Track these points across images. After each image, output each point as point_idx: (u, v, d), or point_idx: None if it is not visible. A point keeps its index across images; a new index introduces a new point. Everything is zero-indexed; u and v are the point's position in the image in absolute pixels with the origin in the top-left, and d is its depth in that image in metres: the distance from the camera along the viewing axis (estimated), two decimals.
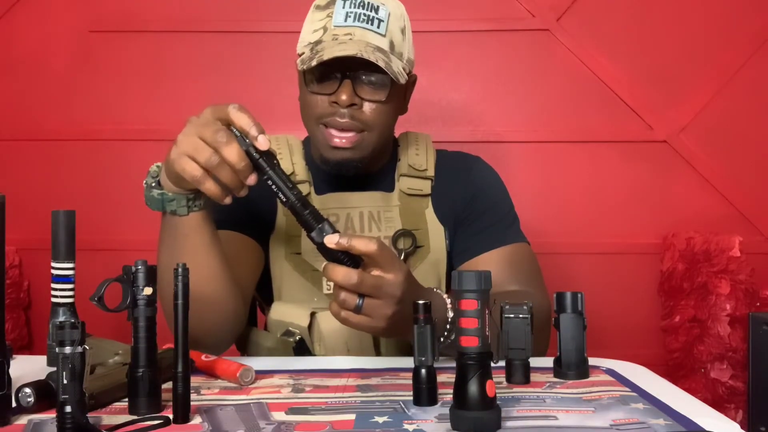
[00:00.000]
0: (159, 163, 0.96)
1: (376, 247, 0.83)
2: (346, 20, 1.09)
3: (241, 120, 0.85)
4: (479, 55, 2.33)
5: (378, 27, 1.10)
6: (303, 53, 1.13)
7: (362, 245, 0.83)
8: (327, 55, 1.06)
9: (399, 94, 1.16)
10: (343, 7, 1.10)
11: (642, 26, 2.31)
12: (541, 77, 2.32)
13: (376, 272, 0.84)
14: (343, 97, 1.08)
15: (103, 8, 2.33)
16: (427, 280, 1.18)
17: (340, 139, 1.10)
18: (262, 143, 0.84)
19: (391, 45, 1.11)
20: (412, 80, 1.21)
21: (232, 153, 0.84)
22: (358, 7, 1.10)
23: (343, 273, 0.83)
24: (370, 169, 1.22)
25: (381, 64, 1.06)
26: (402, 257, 1.16)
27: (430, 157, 1.23)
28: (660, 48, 2.30)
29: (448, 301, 0.96)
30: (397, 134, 1.29)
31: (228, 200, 0.88)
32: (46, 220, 0.99)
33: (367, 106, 1.10)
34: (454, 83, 2.33)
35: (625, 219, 2.31)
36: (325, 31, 1.10)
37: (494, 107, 2.33)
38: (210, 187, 0.86)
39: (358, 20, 1.09)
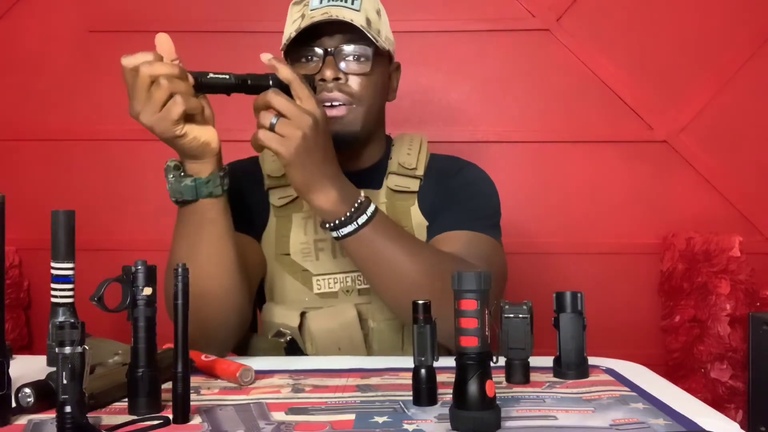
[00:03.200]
0: (171, 160, 1.00)
1: (295, 77, 0.94)
2: (321, 3, 1.12)
3: (140, 57, 0.90)
4: (479, 55, 2.33)
5: (352, 4, 1.12)
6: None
7: (285, 72, 0.95)
8: (304, 24, 1.09)
9: (383, 71, 1.18)
10: None
11: (642, 26, 2.31)
12: (541, 77, 2.32)
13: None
14: (328, 72, 1.10)
15: (103, 8, 2.33)
16: None
17: (330, 111, 1.11)
18: (162, 39, 0.93)
19: (368, 21, 1.13)
20: (395, 67, 1.23)
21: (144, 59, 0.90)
22: None
23: (266, 95, 0.93)
24: (361, 165, 1.22)
25: (356, 23, 1.08)
26: None
27: (422, 157, 1.23)
28: (660, 48, 2.30)
29: (361, 197, 0.99)
30: (393, 135, 1.29)
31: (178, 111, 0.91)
32: (46, 220, 0.99)
33: (353, 80, 1.12)
34: (454, 83, 2.33)
35: (625, 219, 2.31)
36: (303, 18, 1.12)
37: (494, 107, 2.33)
38: (160, 94, 0.89)
39: (332, 0, 1.12)
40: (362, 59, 1.12)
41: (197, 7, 2.33)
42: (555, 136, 2.32)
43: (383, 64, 1.17)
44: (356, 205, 0.98)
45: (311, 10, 1.11)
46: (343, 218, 0.97)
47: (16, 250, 2.25)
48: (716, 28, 2.29)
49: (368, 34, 1.09)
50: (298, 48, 1.13)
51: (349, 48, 1.11)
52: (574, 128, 2.31)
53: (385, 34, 1.17)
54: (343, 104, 1.11)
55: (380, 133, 1.24)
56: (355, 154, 1.20)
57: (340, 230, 0.98)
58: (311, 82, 1.02)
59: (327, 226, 0.99)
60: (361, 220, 0.98)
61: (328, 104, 1.11)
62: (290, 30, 1.14)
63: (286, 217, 1.18)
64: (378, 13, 1.16)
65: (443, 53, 2.32)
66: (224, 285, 1.02)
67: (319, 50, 1.11)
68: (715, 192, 2.29)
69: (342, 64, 1.11)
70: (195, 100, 0.93)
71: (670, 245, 2.23)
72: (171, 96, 0.90)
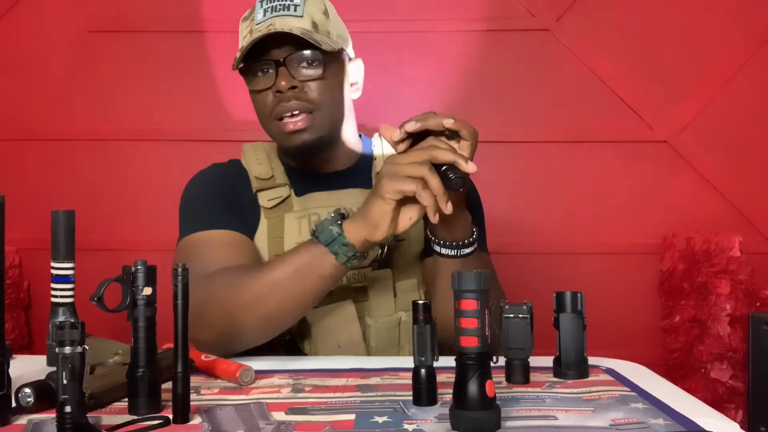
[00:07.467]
0: (346, 209, 1.04)
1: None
2: (264, 15, 1.14)
3: (446, 155, 0.95)
4: (479, 55, 2.32)
5: (295, 11, 1.13)
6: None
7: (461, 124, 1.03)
8: (245, 43, 1.11)
9: (340, 69, 1.18)
10: (261, 6, 1.15)
11: (642, 26, 2.31)
12: (541, 77, 2.32)
13: None
14: (282, 83, 1.11)
15: (103, 8, 2.33)
16: (411, 271, 1.18)
17: (294, 123, 1.13)
18: (471, 167, 0.96)
19: (314, 25, 1.14)
20: (355, 63, 1.23)
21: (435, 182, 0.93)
22: (274, 1, 1.14)
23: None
24: (342, 165, 1.24)
25: (296, 32, 1.09)
26: (385, 250, 1.18)
27: None
28: (660, 48, 2.30)
29: None
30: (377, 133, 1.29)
31: (435, 218, 0.94)
32: (46, 220, 0.99)
33: (309, 86, 1.13)
34: (454, 83, 2.33)
35: (625, 219, 2.31)
36: (251, 34, 1.14)
37: (494, 107, 2.32)
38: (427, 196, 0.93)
39: (275, 11, 1.13)
40: (315, 63, 1.13)
41: (197, 7, 2.33)
42: (555, 136, 2.31)
43: (339, 63, 1.18)
44: (473, 231, 1.06)
45: (257, 24, 1.13)
46: (467, 240, 1.05)
47: (16, 250, 2.25)
48: (716, 28, 2.29)
49: (311, 41, 1.10)
50: (252, 63, 1.14)
51: (299, 55, 1.12)
52: (574, 128, 2.31)
53: (336, 32, 1.17)
54: (304, 112, 1.13)
55: (351, 131, 1.25)
56: (332, 156, 1.22)
57: (462, 249, 1.05)
58: None
59: (447, 243, 1.04)
60: (474, 247, 1.06)
61: (288, 114, 1.12)
62: (240, 46, 1.16)
63: (277, 218, 1.19)
64: (325, 13, 1.17)
65: (443, 53, 2.32)
66: (285, 323, 1.06)
67: (271, 62, 1.12)
68: (715, 192, 2.29)
69: (295, 72, 1.12)
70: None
71: (670, 245, 2.23)
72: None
